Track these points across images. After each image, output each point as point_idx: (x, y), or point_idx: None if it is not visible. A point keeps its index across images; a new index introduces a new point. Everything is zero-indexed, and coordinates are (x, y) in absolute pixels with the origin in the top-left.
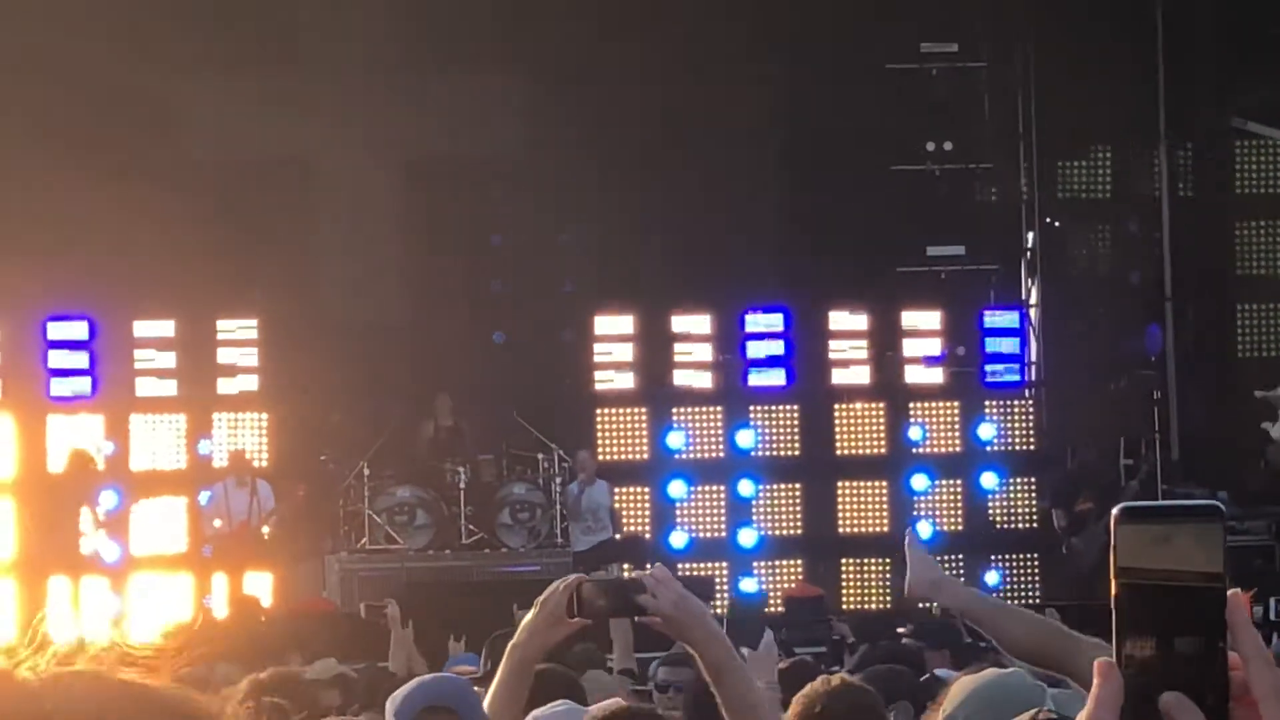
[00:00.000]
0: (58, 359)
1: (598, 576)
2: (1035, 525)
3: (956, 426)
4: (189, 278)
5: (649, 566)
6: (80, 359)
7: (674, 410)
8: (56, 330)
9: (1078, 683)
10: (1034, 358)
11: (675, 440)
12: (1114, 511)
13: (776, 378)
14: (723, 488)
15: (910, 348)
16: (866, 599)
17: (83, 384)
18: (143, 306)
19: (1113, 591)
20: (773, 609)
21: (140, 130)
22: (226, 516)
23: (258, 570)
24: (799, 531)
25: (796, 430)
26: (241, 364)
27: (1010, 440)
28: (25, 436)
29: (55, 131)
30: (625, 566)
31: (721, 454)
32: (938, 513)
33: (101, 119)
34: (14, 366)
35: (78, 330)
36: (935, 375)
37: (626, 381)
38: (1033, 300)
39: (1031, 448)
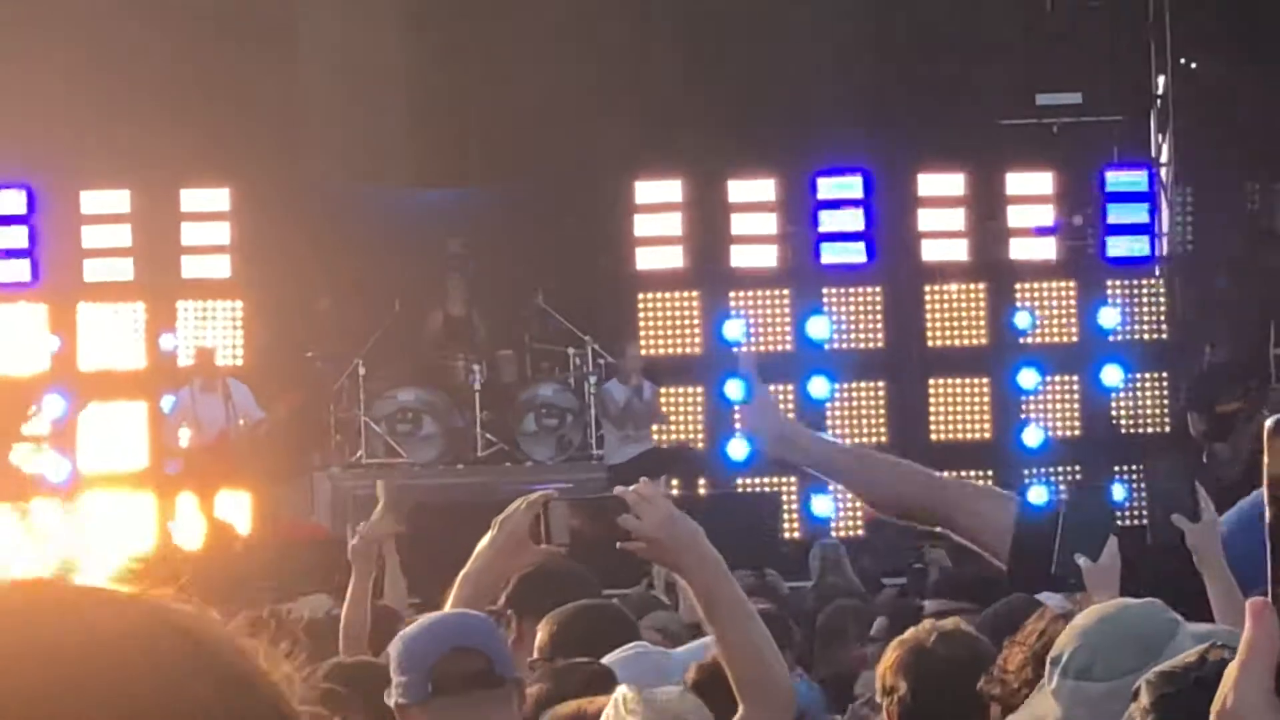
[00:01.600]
0: None
1: (570, 494)
2: (1168, 429)
3: (1073, 312)
4: (147, 138)
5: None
6: (17, 236)
7: (732, 294)
8: None
9: (957, 535)
10: (1166, 228)
11: (733, 330)
12: (1267, 424)
13: (855, 254)
14: (791, 387)
15: (1017, 216)
16: None
17: (20, 267)
18: (92, 173)
19: (1266, 516)
20: (852, 533)
21: None
22: (196, 427)
23: (233, 490)
24: (884, 439)
25: (879, 317)
26: (211, 242)
27: (1138, 328)
28: None
29: None
30: (673, 482)
31: (790, 346)
32: (1050, 415)
33: None
34: None
35: (13, 202)
36: (1047, 249)
37: (674, 260)
38: (1164, 158)
39: (1163, 337)
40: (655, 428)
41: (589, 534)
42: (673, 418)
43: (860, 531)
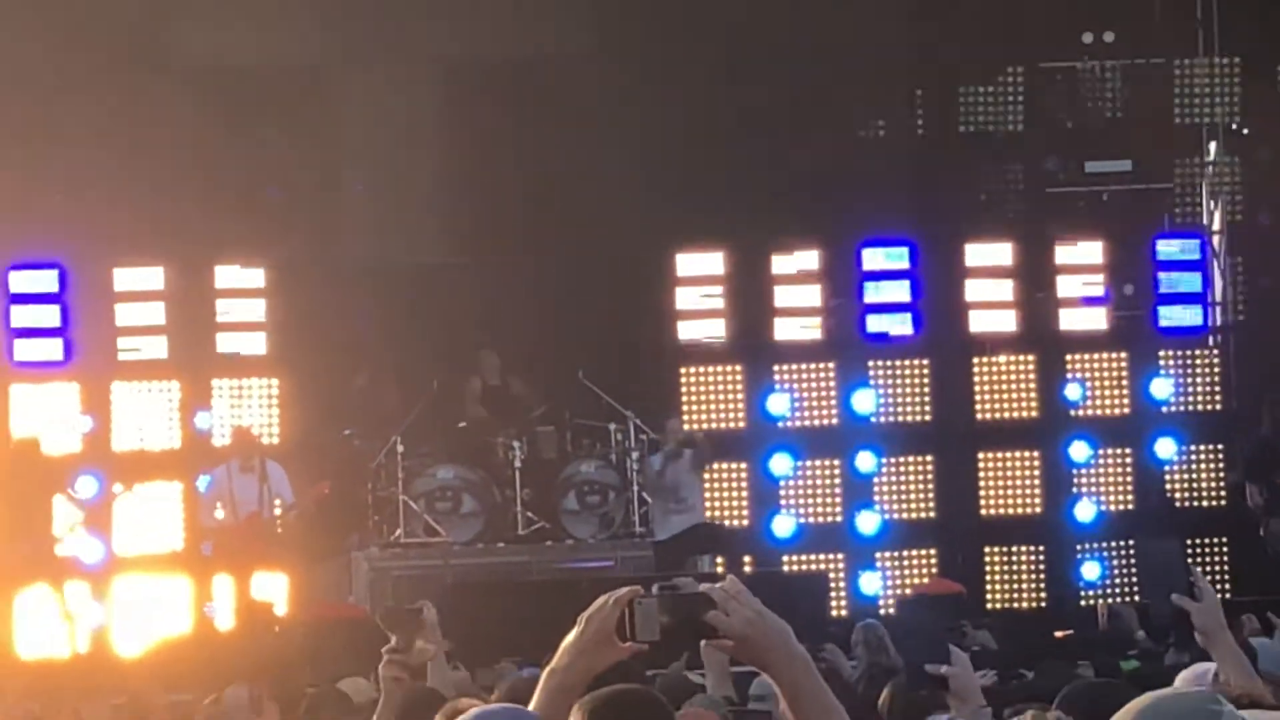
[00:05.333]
0: (22, 316)
1: (656, 591)
2: (1224, 503)
3: (1124, 383)
4: (180, 214)
5: (719, 567)
6: (49, 315)
7: (776, 367)
8: (20, 281)
9: None
10: (1219, 297)
11: (778, 404)
12: None
13: (902, 326)
14: (837, 462)
15: (1066, 286)
16: (1015, 597)
17: (53, 346)
18: (125, 250)
19: None
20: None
21: (123, 35)
22: (230, 506)
23: (269, 571)
24: (932, 515)
25: (927, 390)
26: (246, 319)
27: (1191, 398)
28: None
29: (19, 36)
30: (717, 560)
31: (835, 420)
32: (1103, 489)
33: (74, 23)
34: None
35: (45, 280)
36: (1098, 319)
37: (717, 333)
38: (1216, 226)
39: (1218, 407)
40: (705, 497)
41: (675, 631)
42: (716, 494)
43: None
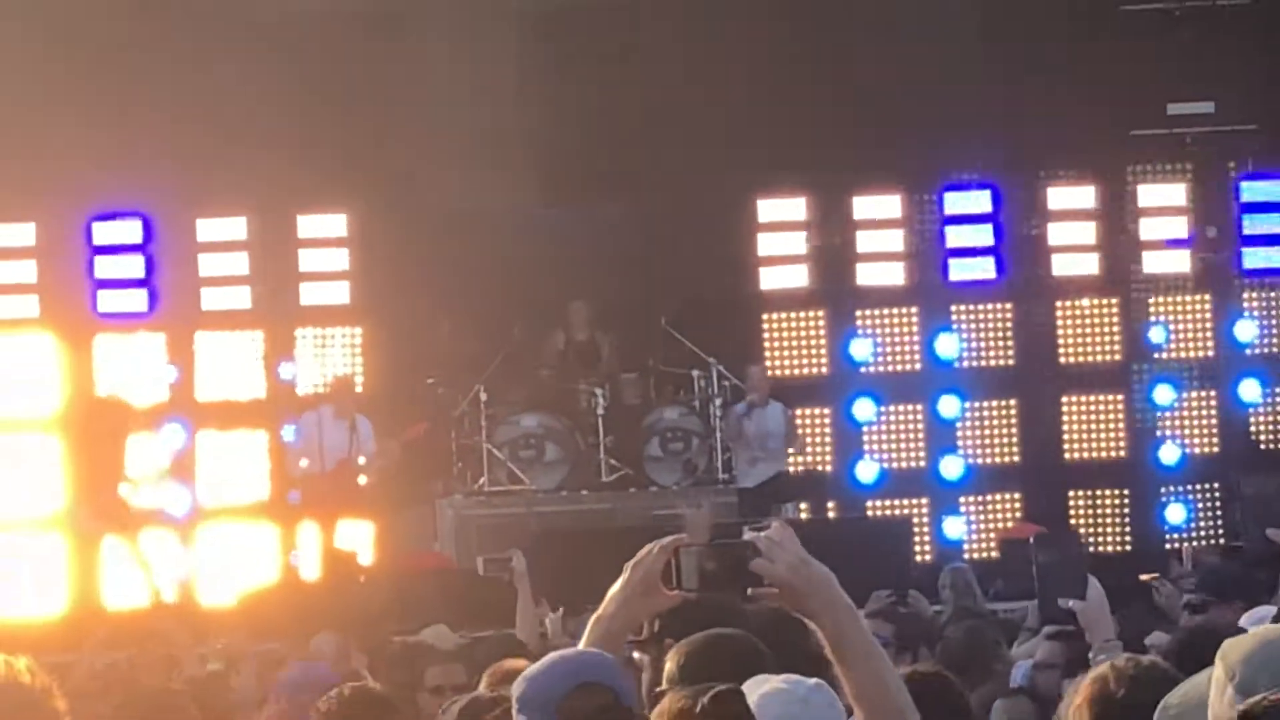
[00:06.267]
0: (106, 267)
1: (701, 539)
2: None
3: (1208, 325)
4: (263, 164)
5: (784, 515)
6: (134, 266)
7: (858, 313)
8: (104, 232)
9: None
10: None
11: (861, 349)
12: None
13: (984, 269)
14: (920, 407)
15: (1149, 228)
16: (1101, 539)
17: (137, 297)
18: (208, 200)
19: None
20: (984, 555)
21: None
22: (319, 454)
23: (355, 519)
24: (1016, 459)
25: (1010, 334)
26: (329, 268)
27: (1276, 341)
28: (70, 362)
29: None
30: (802, 506)
31: (918, 365)
32: (1187, 432)
33: None
34: (54, 277)
35: (130, 231)
36: (1181, 262)
37: (799, 279)
38: None
39: None
40: (791, 451)
41: (721, 578)
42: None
43: (994, 554)
